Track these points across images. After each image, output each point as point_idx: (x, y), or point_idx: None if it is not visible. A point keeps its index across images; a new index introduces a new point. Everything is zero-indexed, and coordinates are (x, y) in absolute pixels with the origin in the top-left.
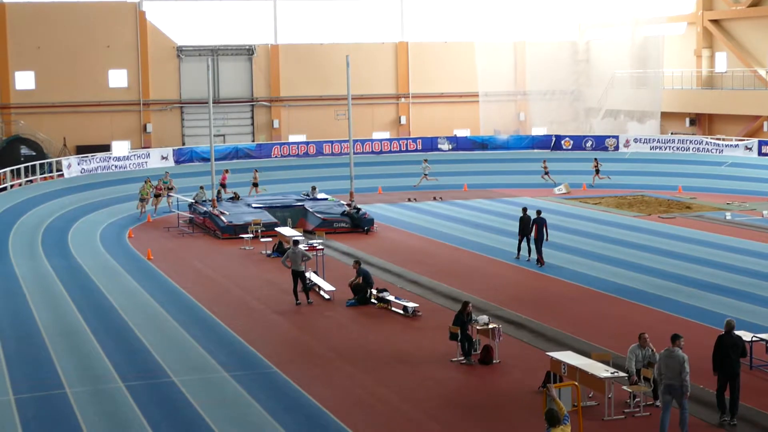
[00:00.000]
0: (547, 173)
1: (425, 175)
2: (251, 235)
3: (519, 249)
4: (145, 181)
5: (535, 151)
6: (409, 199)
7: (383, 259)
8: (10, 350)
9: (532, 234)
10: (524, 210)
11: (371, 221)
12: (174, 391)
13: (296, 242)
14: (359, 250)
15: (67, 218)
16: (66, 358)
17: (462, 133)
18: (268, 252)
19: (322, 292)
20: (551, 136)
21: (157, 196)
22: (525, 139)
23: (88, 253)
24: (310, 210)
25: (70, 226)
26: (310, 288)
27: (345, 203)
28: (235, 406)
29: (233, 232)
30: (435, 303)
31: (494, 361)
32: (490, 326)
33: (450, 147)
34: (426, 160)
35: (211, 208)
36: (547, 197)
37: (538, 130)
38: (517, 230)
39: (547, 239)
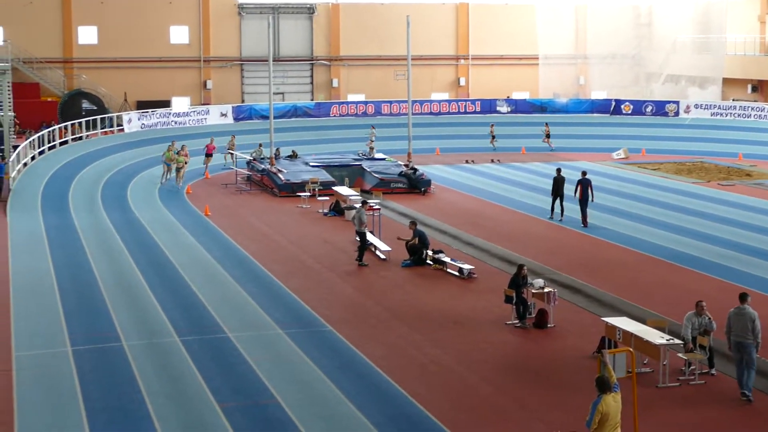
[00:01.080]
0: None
1: (371, 141)
2: (308, 194)
3: (552, 209)
4: (169, 147)
5: (595, 115)
6: (467, 161)
7: (439, 220)
8: (69, 302)
9: (577, 195)
10: (558, 170)
11: (428, 182)
12: (228, 346)
13: (364, 203)
14: (416, 211)
15: (127, 173)
16: (123, 311)
17: (521, 95)
18: (325, 211)
19: (377, 252)
20: (611, 100)
21: (178, 169)
22: (584, 103)
23: (146, 207)
24: (368, 170)
25: (130, 181)
26: (366, 247)
27: (402, 164)
28: (289, 363)
29: (290, 190)
30: (490, 265)
31: (549, 326)
32: (546, 290)
33: (509, 109)
34: (373, 127)
35: (268, 166)
36: (605, 162)
37: (597, 94)
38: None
39: (592, 200)
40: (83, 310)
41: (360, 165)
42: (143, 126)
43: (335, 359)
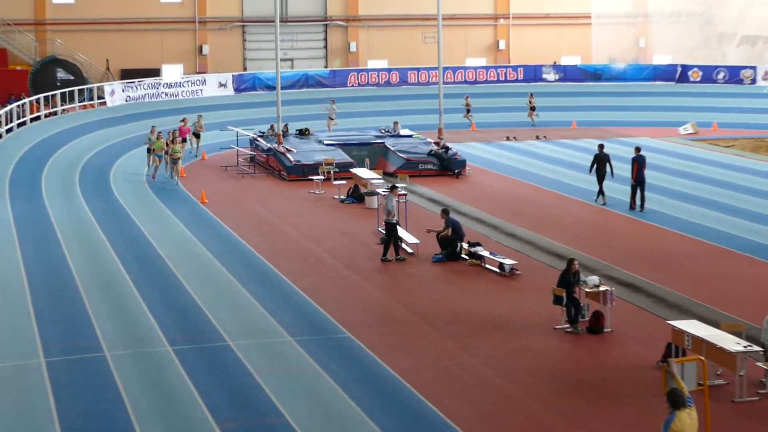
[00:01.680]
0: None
1: (330, 119)
2: (322, 177)
3: (599, 192)
4: (156, 134)
5: (657, 83)
6: (508, 138)
7: (476, 207)
8: (42, 306)
9: (631, 175)
10: (600, 147)
11: (463, 163)
12: (229, 357)
13: (393, 188)
14: (448, 197)
15: (110, 154)
16: (105, 316)
17: (571, 61)
18: (342, 197)
19: (404, 245)
20: (676, 66)
21: (174, 161)
22: (645, 69)
23: (132, 194)
24: (392, 149)
25: (113, 163)
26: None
27: (432, 141)
28: (300, 376)
29: (301, 172)
30: (536, 260)
31: (605, 330)
32: (601, 288)
33: (556, 77)
34: (333, 101)
35: (276, 145)
36: (670, 138)
37: (660, 59)
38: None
39: (638, 179)
40: (58, 314)
41: (383, 143)
42: (128, 99)
43: (354, 371)
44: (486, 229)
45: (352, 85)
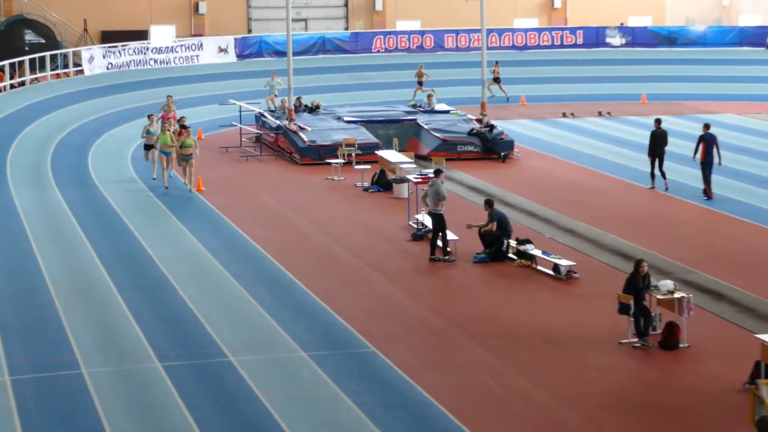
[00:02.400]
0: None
1: (274, 96)
2: (342, 161)
3: (652, 174)
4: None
5: (744, 48)
6: (564, 114)
7: (526, 197)
8: (7, 314)
9: (698, 156)
10: (657, 122)
11: (510, 144)
12: (231, 376)
13: (438, 172)
14: (492, 185)
15: (88, 132)
16: (82, 326)
17: (640, 22)
18: (366, 185)
19: (439, 242)
20: (767, 27)
21: (185, 159)
22: (730, 31)
23: (115, 180)
24: (425, 127)
25: (92, 143)
26: (422, 236)
27: (474, 118)
28: (315, 399)
29: (317, 155)
30: (598, 260)
31: (681, 345)
32: (676, 295)
33: (623, 41)
34: (275, 74)
35: (286, 122)
36: (759, 115)
37: (748, 20)
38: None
39: (720, 163)
40: (27, 324)
41: (414, 120)
42: (110, 66)
43: (380, 393)
44: (538, 224)
45: (378, 51)
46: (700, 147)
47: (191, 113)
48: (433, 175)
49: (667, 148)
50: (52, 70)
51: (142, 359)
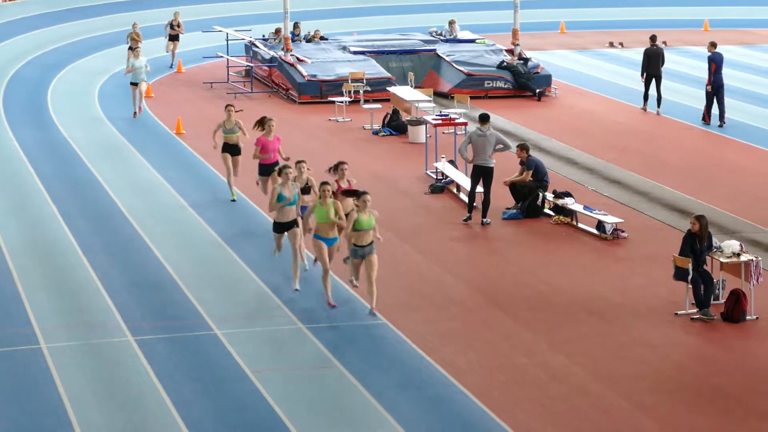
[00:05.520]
0: None
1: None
2: (347, 99)
3: (645, 96)
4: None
5: None
6: (611, 44)
7: (565, 142)
8: None
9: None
10: (653, 39)
11: (547, 79)
12: (216, 351)
13: (484, 118)
14: (526, 128)
15: (47, 64)
16: (42, 295)
17: None
18: (375, 127)
19: (462, 195)
20: None
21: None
22: None
23: (78, 121)
24: (447, 59)
25: (52, 77)
26: (443, 187)
27: (504, 49)
28: (316, 379)
29: (318, 92)
30: (649, 217)
31: (747, 317)
32: (743, 258)
33: None
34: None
35: (282, 53)
36: None
37: None
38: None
39: (716, 84)
40: None
41: (433, 51)
42: None
43: (392, 372)
44: (579, 174)
45: None
46: (711, 68)
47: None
48: (479, 122)
49: (732, 83)
50: None
51: (112, 332)
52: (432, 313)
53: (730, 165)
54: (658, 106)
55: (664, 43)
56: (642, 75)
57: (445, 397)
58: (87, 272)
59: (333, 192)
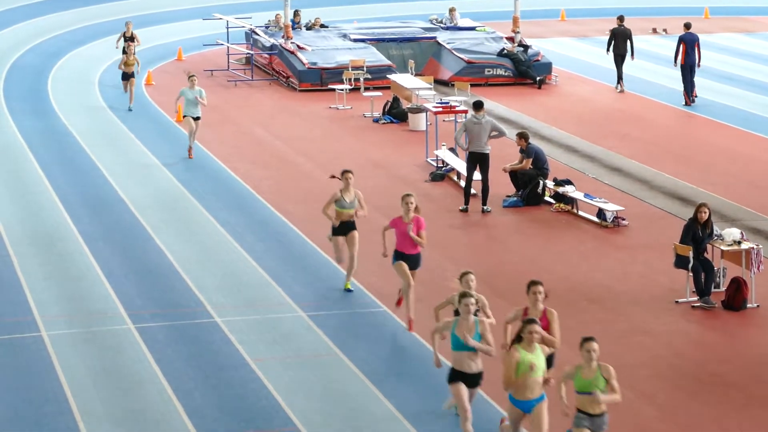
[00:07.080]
0: None
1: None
2: (348, 87)
3: (619, 77)
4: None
5: None
6: (655, 30)
7: (566, 130)
8: None
9: (678, 60)
10: (620, 19)
11: (548, 67)
12: (216, 339)
13: (478, 105)
14: (526, 115)
15: (47, 51)
16: (42, 282)
17: None
18: (376, 115)
19: (462, 183)
20: None
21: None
22: None
23: (79, 109)
24: (447, 46)
25: (52, 65)
26: (443, 175)
27: (505, 37)
28: (317, 367)
29: (318, 80)
30: (650, 205)
31: (748, 305)
32: (743, 246)
33: None
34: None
35: (283, 40)
36: None
37: None
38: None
39: (699, 65)
40: None
41: (434, 39)
42: None
43: (393, 361)
44: (580, 161)
45: None
46: (681, 48)
47: (169, 30)
48: (473, 110)
49: (732, 71)
50: None
51: (112, 320)
52: (433, 301)
53: (732, 153)
54: (620, 80)
55: (665, 30)
56: (607, 51)
57: (445, 385)
58: (87, 260)
59: None
